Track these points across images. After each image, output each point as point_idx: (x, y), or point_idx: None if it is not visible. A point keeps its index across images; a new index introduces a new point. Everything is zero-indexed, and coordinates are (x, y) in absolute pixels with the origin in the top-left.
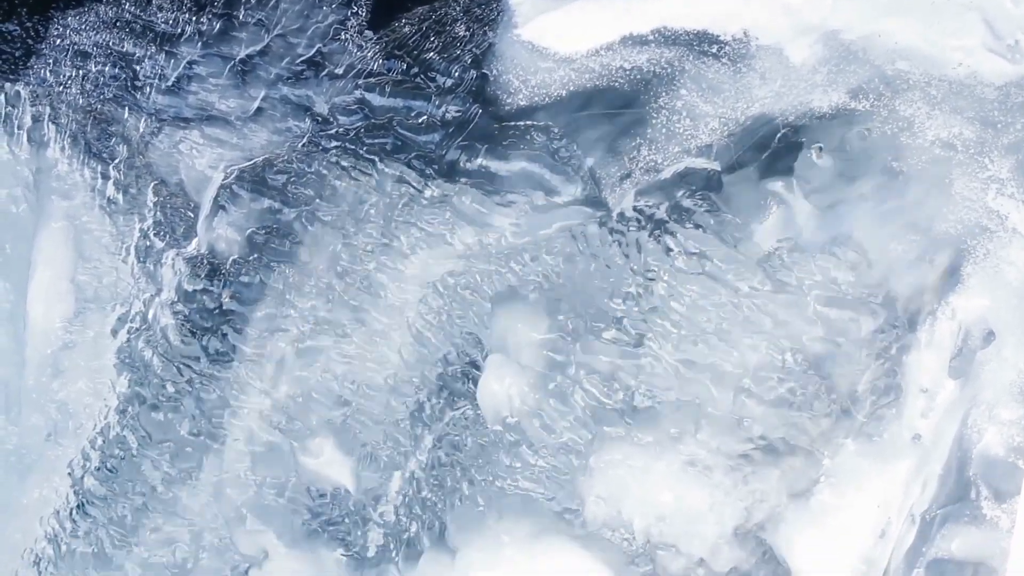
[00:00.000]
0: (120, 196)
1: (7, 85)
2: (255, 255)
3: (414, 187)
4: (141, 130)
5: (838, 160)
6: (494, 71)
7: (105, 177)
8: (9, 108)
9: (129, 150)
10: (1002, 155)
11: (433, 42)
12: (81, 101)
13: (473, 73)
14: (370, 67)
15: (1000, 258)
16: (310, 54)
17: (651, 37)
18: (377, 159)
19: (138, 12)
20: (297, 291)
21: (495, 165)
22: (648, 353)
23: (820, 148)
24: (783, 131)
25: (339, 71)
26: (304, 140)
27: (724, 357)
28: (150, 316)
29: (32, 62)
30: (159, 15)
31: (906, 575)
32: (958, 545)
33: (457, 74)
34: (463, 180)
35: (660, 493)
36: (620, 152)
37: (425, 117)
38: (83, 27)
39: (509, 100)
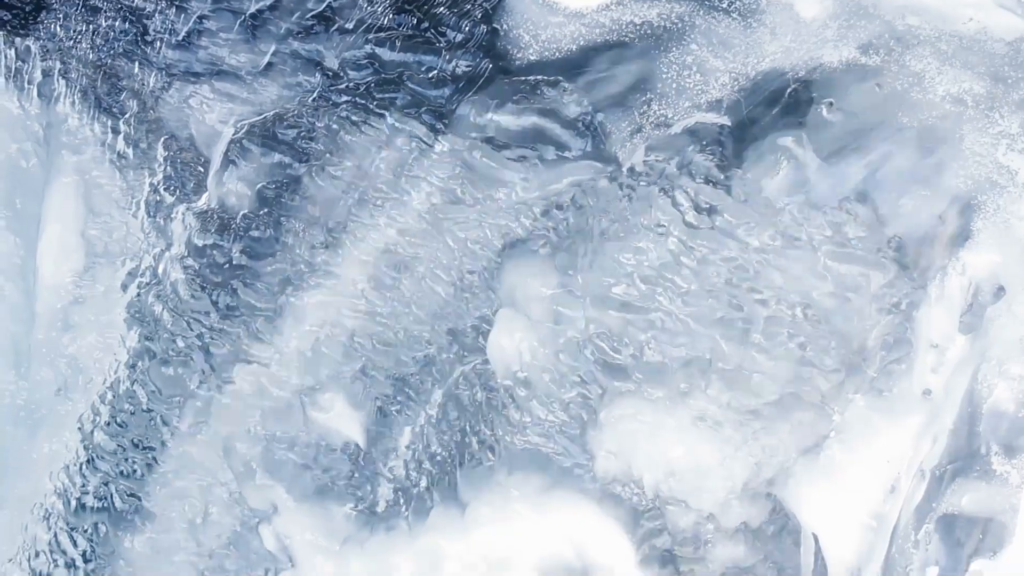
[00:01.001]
0: (130, 151)
1: (17, 40)
2: (265, 209)
3: (424, 142)
4: (151, 85)
5: (848, 115)
6: (504, 26)
7: (115, 132)
8: (19, 63)
9: (139, 105)
10: (1012, 110)
11: None
12: (91, 56)
13: (483, 28)
14: (380, 22)
15: (1010, 213)
16: (320, 8)
17: None
18: (387, 114)
19: None
20: (307, 246)
21: (505, 120)
22: (658, 308)
23: (830, 103)
24: (793, 86)
25: (349, 26)
26: (314, 95)
27: (734, 312)
28: (160, 270)
29: (42, 17)
30: None
31: (916, 530)
32: (968, 501)
33: (467, 29)
34: (473, 135)
35: (670, 448)
36: (630, 107)
37: (435, 72)
38: None
39: (519, 55)
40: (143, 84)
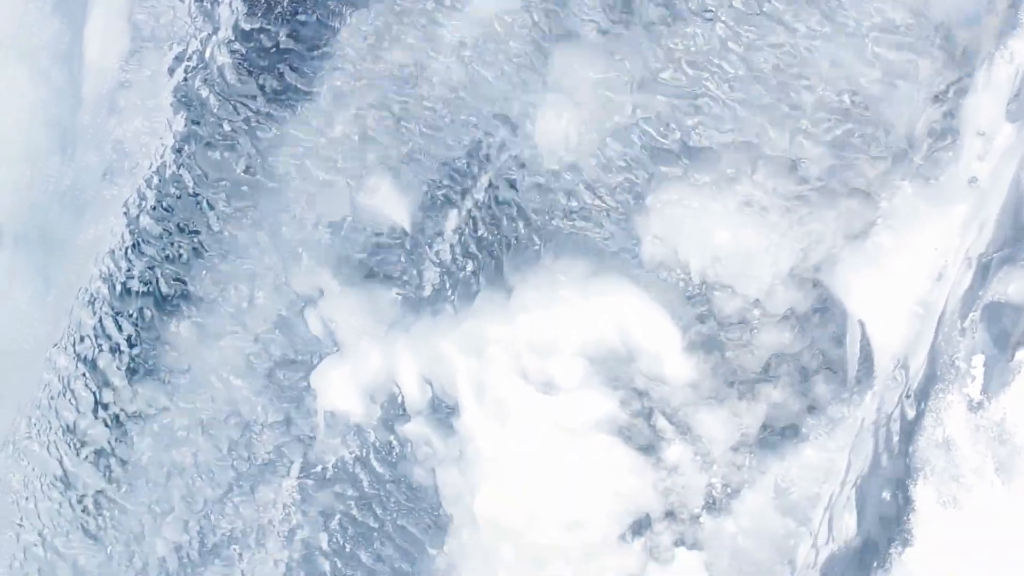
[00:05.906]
0: None
1: None
2: None
3: None
4: None
5: None
6: None
7: None
8: None
9: None
10: None
11: None
12: None
13: None
14: None
15: None
16: None
17: None
18: None
19: None
20: (354, 30)
21: None
22: (705, 93)
23: None
24: None
25: None
26: None
27: (781, 98)
28: (207, 55)
29: None
30: None
31: (962, 318)
32: (1014, 289)
33: None
34: None
35: (716, 233)
36: None
37: None
38: None
39: None
40: None
